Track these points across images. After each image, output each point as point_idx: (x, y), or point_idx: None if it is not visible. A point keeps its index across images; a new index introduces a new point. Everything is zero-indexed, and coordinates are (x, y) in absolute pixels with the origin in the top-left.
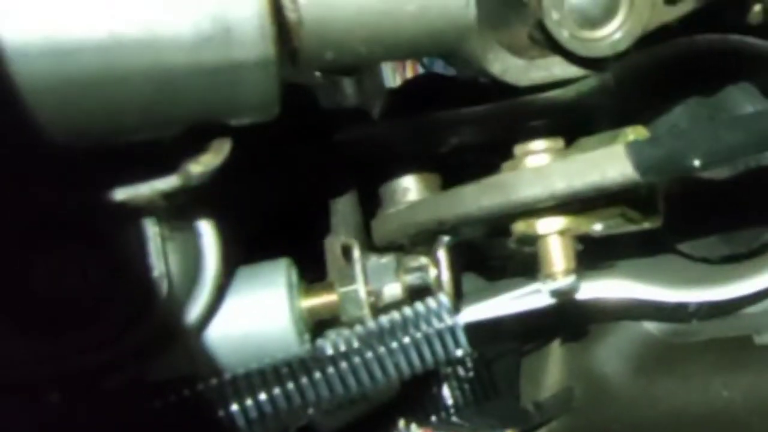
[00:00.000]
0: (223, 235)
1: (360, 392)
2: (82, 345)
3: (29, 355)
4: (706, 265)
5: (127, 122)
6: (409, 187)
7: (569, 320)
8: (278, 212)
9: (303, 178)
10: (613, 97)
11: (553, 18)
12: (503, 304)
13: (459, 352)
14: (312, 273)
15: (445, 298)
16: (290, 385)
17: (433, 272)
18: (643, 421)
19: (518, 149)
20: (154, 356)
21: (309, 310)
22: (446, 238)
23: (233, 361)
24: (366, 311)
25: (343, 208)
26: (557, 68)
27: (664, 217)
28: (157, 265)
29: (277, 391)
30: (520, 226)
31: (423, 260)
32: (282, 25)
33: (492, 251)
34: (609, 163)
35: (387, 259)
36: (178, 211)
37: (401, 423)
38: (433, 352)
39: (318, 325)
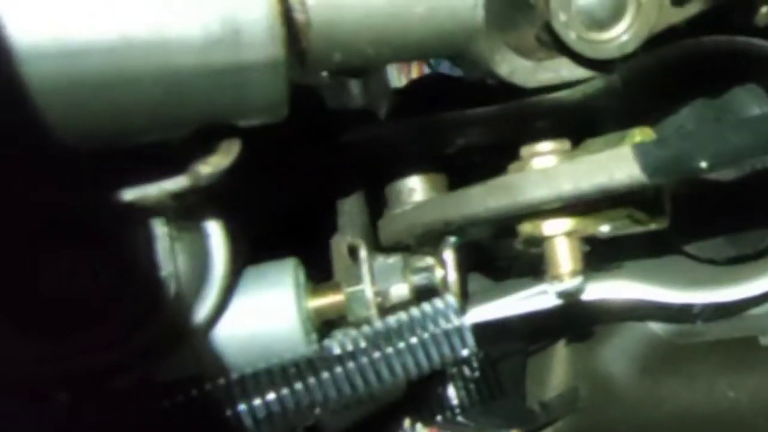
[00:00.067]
0: (231, 236)
1: (367, 392)
2: (91, 345)
3: (37, 355)
4: (713, 266)
5: (136, 123)
6: (416, 187)
7: (575, 321)
8: (285, 212)
9: (310, 178)
10: (620, 99)
11: (560, 20)
12: (510, 304)
13: (466, 353)
14: (319, 273)
15: (452, 299)
16: (298, 385)
17: (439, 273)
18: (648, 422)
19: (525, 150)
20: (162, 356)
21: (316, 310)
22: (453, 239)
23: (241, 361)
24: (373, 311)
25: (350, 208)
26: (564, 70)
27: (670, 219)
28: (166, 265)
29: (284, 390)
30: (526, 228)
31: (429, 261)
32: (291, 27)
33: (498, 252)
34: (616, 164)
35: (394, 260)
36: (186, 211)
37: (407, 422)
38: (440, 353)
39: (325, 325)
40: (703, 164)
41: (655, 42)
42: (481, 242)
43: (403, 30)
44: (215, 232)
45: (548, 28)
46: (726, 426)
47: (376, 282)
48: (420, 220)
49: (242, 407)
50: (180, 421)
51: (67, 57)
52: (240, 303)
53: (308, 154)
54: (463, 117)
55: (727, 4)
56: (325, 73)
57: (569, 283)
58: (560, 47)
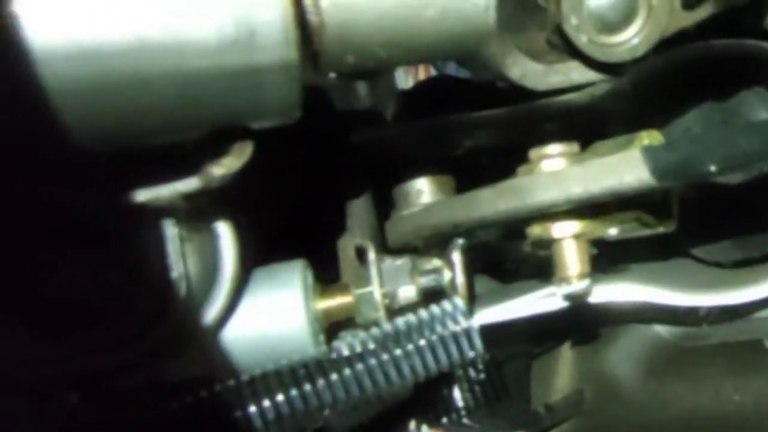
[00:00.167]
0: (241, 237)
1: (376, 394)
2: (100, 345)
3: (47, 355)
4: (719, 269)
5: (150, 125)
6: (423, 189)
7: (581, 323)
8: (293, 214)
9: (318, 180)
10: (629, 101)
11: (571, 23)
12: (518, 306)
13: (473, 355)
14: (327, 275)
15: (460, 301)
16: (307, 387)
17: (447, 275)
18: (653, 424)
19: (534, 153)
20: (171, 357)
21: (324, 311)
22: (461, 241)
23: (249, 362)
24: (381, 313)
25: (358, 209)
26: (575, 73)
27: (678, 222)
28: (176, 266)
29: (293, 392)
30: (535, 230)
31: (437, 262)
32: (304, 29)
33: (506, 254)
34: (625, 167)
35: (402, 261)
36: (197, 212)
37: (412, 424)
38: (449, 355)
39: (333, 326)
40: (713, 168)
41: (665, 45)
42: (489, 244)
43: (415, 33)
44: (225, 233)
45: (559, 31)
46: (731, 429)
47: (385, 284)
48: (428, 222)
49: (252, 408)
50: (189, 422)
51: (83, 59)
52: (249, 304)
53: (316, 156)
54: (470, 119)
55: (737, 8)
56: (333, 75)
57: (577, 285)
58: (571, 50)
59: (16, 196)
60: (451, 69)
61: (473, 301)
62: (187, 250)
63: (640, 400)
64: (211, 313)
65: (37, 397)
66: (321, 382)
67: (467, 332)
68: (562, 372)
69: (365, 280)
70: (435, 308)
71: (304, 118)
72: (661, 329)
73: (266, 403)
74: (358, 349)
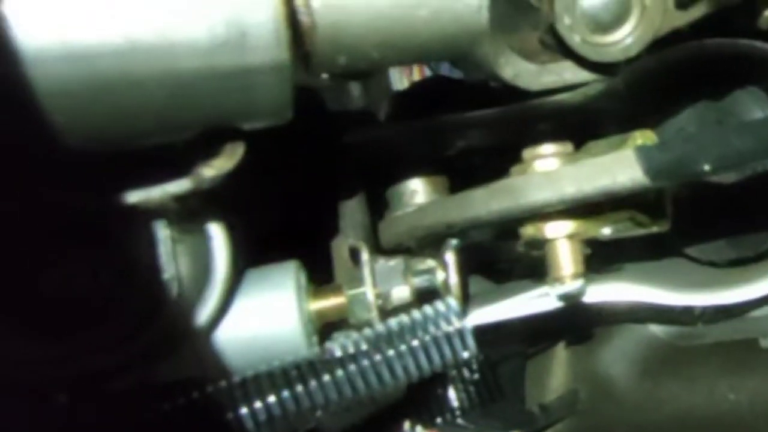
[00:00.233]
0: (233, 238)
1: (368, 395)
2: (92, 346)
3: (38, 355)
4: (713, 268)
5: (141, 126)
6: (417, 189)
7: (575, 323)
8: (286, 215)
9: (310, 180)
10: (623, 101)
11: (564, 23)
12: (511, 307)
13: (467, 355)
14: (320, 275)
15: (453, 301)
16: (299, 388)
17: (441, 275)
18: (648, 424)
19: (527, 153)
20: (163, 358)
21: (317, 312)
22: (454, 241)
23: (242, 363)
24: (374, 314)
25: (351, 210)
26: (568, 73)
27: (671, 221)
28: (168, 267)
29: (286, 393)
30: (528, 230)
31: (431, 263)
32: (296, 30)
33: (499, 254)
34: (619, 167)
35: (395, 262)
36: (188, 214)
37: (407, 425)
38: (442, 355)
39: (326, 327)
40: (706, 167)
41: (658, 45)
42: (483, 245)
43: (407, 33)
44: (217, 234)
45: (552, 31)
46: (726, 428)
47: (378, 284)
48: (422, 222)
49: (243, 410)
50: (181, 424)
51: (73, 60)
52: (241, 305)
53: (309, 157)
54: (464, 119)
55: (730, 7)
56: (325, 75)
57: (570, 285)
58: (564, 50)
59: (7, 196)
60: (446, 70)
61: (467, 301)
62: (179, 251)
63: (635, 399)
64: (203, 315)
65: (30, 398)
66: (313, 384)
67: (460, 333)
68: (557, 372)
69: (358, 281)
70: (428, 309)
71: (298, 119)
72: (655, 329)
73: (258, 404)
74: (351, 350)
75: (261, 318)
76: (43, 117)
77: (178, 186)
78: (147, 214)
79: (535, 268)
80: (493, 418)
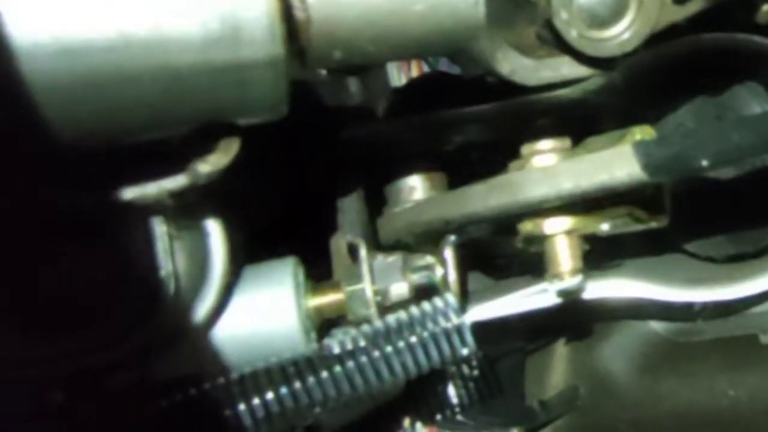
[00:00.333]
0: (230, 234)
1: (367, 391)
2: (89, 344)
3: (35, 353)
4: (713, 264)
5: (135, 122)
6: (415, 185)
7: (575, 319)
8: (285, 211)
9: (309, 176)
10: (620, 96)
11: (561, 17)
12: (510, 303)
13: (466, 352)
14: (318, 272)
15: (452, 298)
16: (297, 384)
17: (439, 271)
18: (648, 420)
19: (525, 149)
20: (160, 355)
21: (316, 308)
22: (453, 237)
23: (240, 360)
24: (372, 310)
25: (349, 206)
26: (565, 68)
27: (670, 217)
28: (165, 264)
29: (284, 390)
30: (527, 226)
31: (429, 259)
32: (291, 24)
33: (498, 250)
34: (617, 163)
35: (393, 258)
36: (185, 210)
37: (406, 421)
38: (440, 352)
39: (324, 324)
40: (705, 163)
41: (656, 40)
42: (481, 241)
43: (403, 28)
44: (214, 230)
45: (549, 26)
46: (726, 424)
47: (376, 281)
48: (420, 218)
49: (241, 407)
50: (178, 421)
51: (67, 55)
52: (239, 302)
53: (307, 152)
54: (462, 115)
55: (727, 1)
56: (323, 71)
57: (569, 281)
58: (561, 45)
59: (0, 194)
60: (444, 65)
61: (465, 297)
62: (175, 247)
63: (635, 395)
64: (200, 311)
65: (26, 396)
66: (311, 380)
67: (459, 329)
68: (557, 368)
69: (357, 278)
70: (426, 305)
71: (295, 114)
72: (655, 325)
73: (256, 401)
74: (349, 346)
75: (259, 314)
76: (36, 113)
77: (174, 182)
78: (143, 210)
79: (533, 265)
80: (493, 415)
